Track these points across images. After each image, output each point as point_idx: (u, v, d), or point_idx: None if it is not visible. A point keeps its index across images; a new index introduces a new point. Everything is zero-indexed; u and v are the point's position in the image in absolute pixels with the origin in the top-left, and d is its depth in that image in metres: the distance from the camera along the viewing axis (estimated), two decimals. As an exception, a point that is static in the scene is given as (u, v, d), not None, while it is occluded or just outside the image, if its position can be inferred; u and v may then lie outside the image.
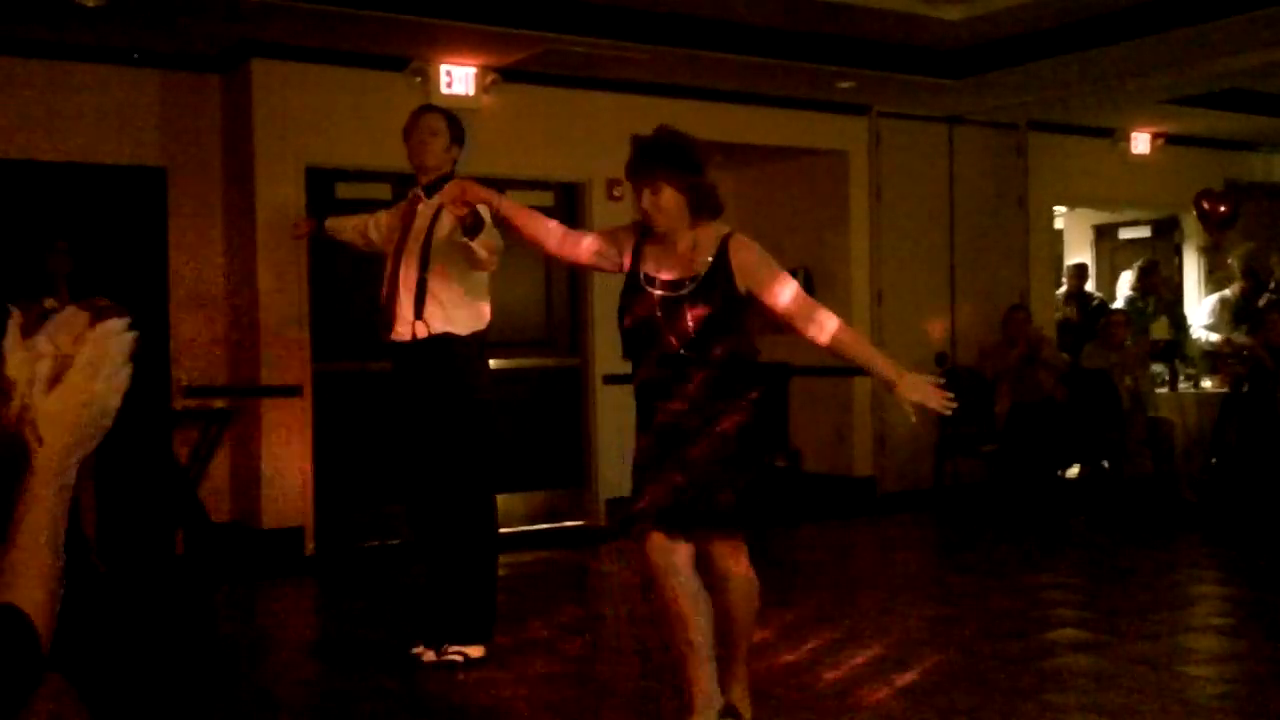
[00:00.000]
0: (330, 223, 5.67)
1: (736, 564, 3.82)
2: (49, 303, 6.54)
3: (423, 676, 4.82)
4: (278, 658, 5.46)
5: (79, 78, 7.18)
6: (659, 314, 3.77)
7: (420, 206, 5.00)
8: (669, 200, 3.72)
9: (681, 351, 3.74)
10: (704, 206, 3.77)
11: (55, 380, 1.48)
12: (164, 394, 7.26)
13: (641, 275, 3.83)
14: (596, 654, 5.31)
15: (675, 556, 3.72)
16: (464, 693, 4.63)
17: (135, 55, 7.23)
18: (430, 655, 4.92)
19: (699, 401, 3.74)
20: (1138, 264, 10.85)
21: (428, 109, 5.21)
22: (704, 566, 3.81)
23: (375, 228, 5.37)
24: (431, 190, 4.98)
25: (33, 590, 1.47)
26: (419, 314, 4.88)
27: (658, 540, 3.72)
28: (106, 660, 4.88)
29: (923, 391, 3.64)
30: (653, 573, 3.76)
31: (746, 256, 3.78)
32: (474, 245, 4.59)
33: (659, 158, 3.74)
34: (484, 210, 4.40)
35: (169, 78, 7.45)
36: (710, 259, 3.76)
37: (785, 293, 3.77)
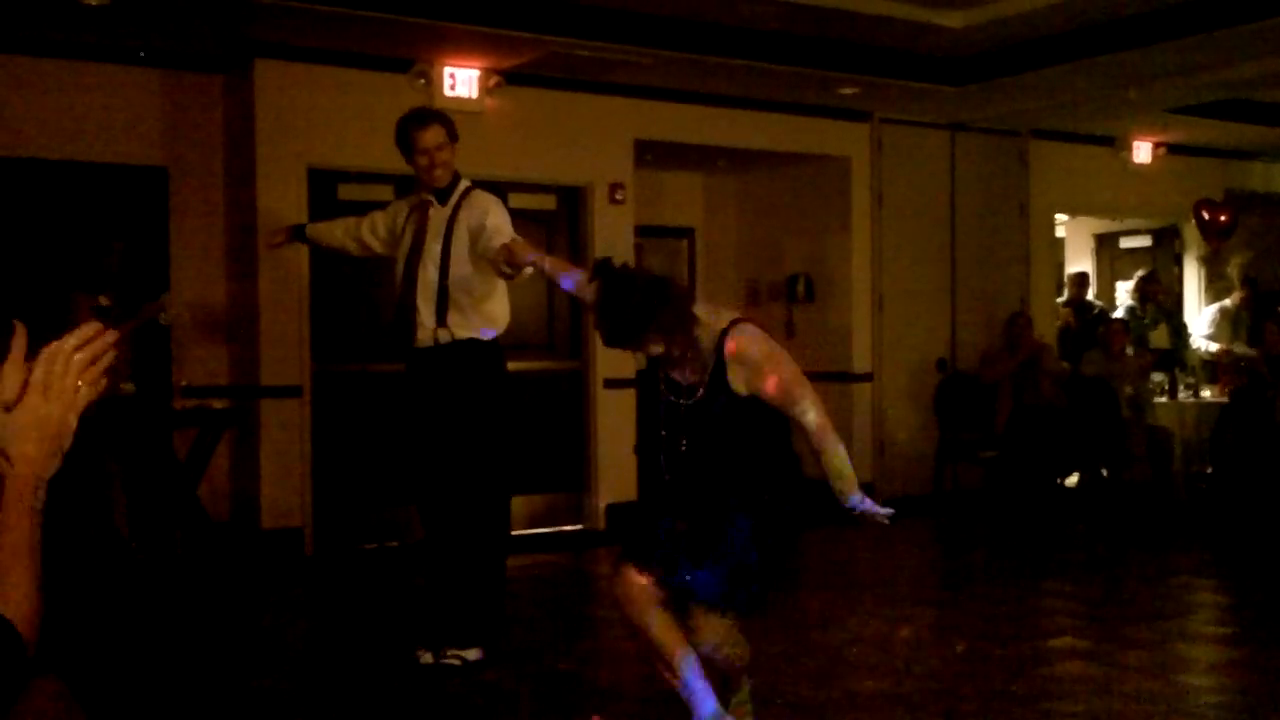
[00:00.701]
0: (312, 230, 5.51)
1: (712, 637, 3.71)
2: (103, 300, 6.62)
3: (421, 679, 4.82)
4: (276, 659, 5.45)
5: (82, 77, 7.18)
6: (673, 416, 3.71)
7: (432, 212, 4.95)
8: (659, 347, 3.59)
9: (692, 455, 3.67)
10: (681, 323, 3.59)
11: (17, 401, 1.52)
12: (164, 394, 7.26)
13: (660, 377, 3.76)
14: (596, 658, 5.30)
15: (632, 589, 3.68)
16: (462, 695, 4.63)
17: (142, 55, 7.24)
18: (429, 658, 4.91)
19: (708, 502, 3.67)
20: (1138, 273, 10.86)
21: (422, 121, 4.96)
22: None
23: (371, 232, 5.27)
24: (443, 196, 4.94)
25: (16, 598, 1.49)
26: (441, 320, 4.86)
27: (625, 572, 3.72)
28: (104, 661, 4.88)
29: (866, 514, 3.62)
30: (617, 599, 3.76)
31: (740, 352, 3.58)
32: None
33: (623, 334, 3.60)
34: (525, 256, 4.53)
35: (172, 78, 7.45)
36: (712, 359, 3.61)
37: (771, 384, 3.57)
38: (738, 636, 3.79)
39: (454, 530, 4.92)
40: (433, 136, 4.88)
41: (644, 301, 3.54)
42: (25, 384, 1.54)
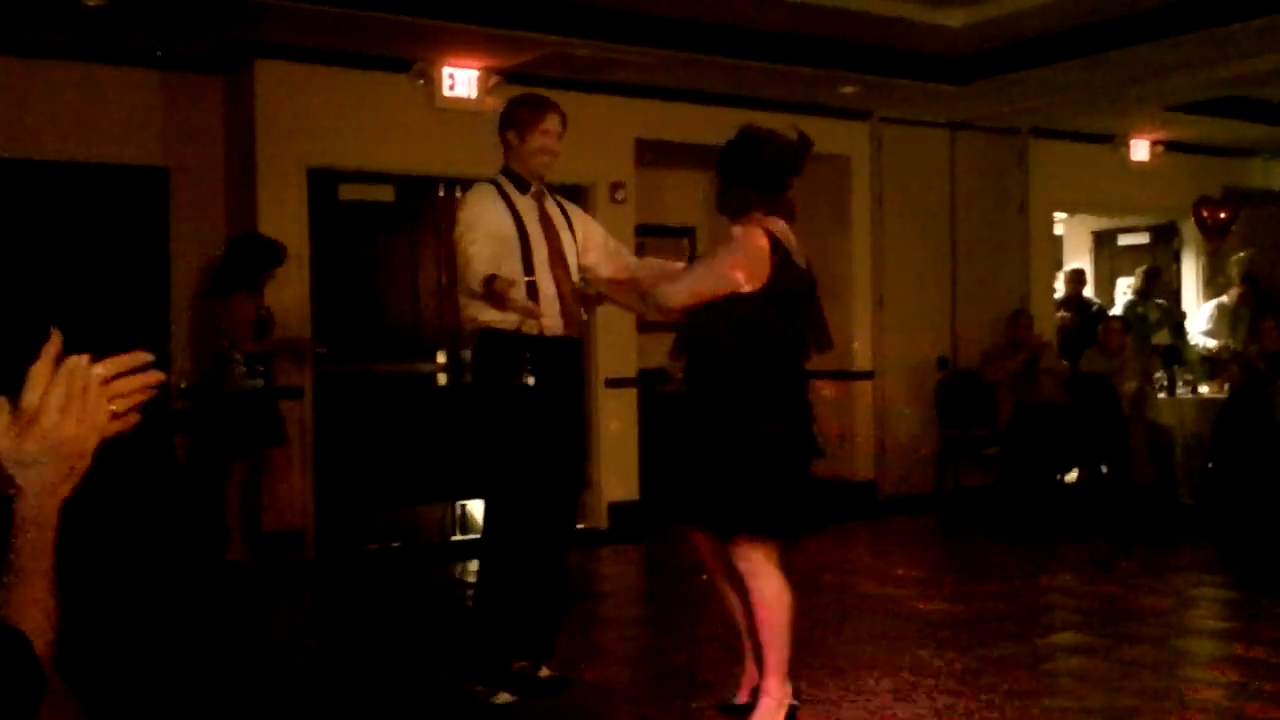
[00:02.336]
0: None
1: (743, 563, 3.87)
2: (263, 309, 6.79)
3: (422, 680, 4.82)
4: (279, 661, 5.46)
5: (81, 78, 7.17)
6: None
7: (547, 204, 4.66)
8: (712, 191, 4.21)
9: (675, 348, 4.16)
10: (724, 205, 4.27)
11: (31, 421, 1.44)
12: (164, 395, 7.25)
13: None
14: (600, 657, 5.30)
15: (707, 545, 4.08)
16: (465, 696, 4.62)
17: (158, 53, 7.23)
18: (545, 672, 4.66)
19: (683, 398, 4.03)
20: (1140, 269, 10.87)
21: (553, 105, 4.68)
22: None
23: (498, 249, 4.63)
24: (552, 189, 4.77)
25: (32, 614, 1.48)
26: (583, 310, 4.71)
27: (695, 531, 4.09)
28: (109, 663, 4.88)
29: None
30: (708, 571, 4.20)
31: (731, 237, 4.15)
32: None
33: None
34: None
35: (171, 78, 7.45)
36: None
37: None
38: (768, 569, 3.86)
39: (558, 528, 4.70)
40: (558, 123, 4.62)
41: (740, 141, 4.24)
42: (40, 405, 1.44)
